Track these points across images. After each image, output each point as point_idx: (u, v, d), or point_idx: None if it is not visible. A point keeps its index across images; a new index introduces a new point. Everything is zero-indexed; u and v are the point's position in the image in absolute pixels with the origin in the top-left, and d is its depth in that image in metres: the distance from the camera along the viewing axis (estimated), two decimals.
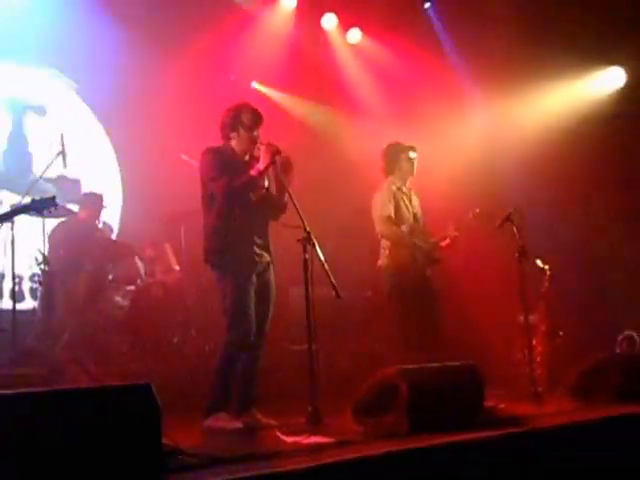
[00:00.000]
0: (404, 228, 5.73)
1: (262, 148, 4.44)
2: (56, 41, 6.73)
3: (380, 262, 5.80)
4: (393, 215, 5.66)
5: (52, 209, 4.23)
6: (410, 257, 5.67)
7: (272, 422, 4.37)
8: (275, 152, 4.40)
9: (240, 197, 4.45)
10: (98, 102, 7.52)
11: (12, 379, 4.78)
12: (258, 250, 4.53)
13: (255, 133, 4.56)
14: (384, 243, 5.78)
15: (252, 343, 4.43)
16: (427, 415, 3.77)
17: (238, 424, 4.29)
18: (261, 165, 4.41)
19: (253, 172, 4.44)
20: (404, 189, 5.82)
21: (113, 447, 2.76)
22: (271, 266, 4.64)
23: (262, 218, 4.61)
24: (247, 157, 4.61)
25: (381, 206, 5.68)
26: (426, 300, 5.72)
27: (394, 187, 5.76)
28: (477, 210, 5.62)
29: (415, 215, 5.84)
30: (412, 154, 5.77)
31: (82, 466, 2.67)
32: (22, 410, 2.62)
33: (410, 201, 5.85)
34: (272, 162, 4.41)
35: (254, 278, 4.48)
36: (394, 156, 5.78)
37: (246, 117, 4.56)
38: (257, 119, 4.57)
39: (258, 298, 4.51)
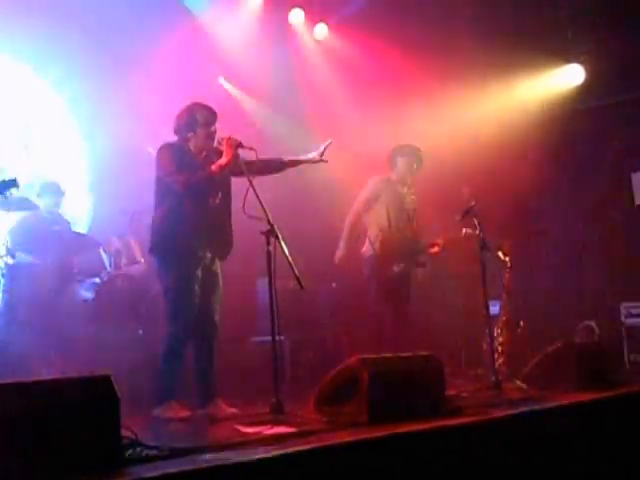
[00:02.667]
0: (383, 222, 5.96)
1: (223, 143, 4.47)
2: (27, 35, 6.68)
3: (366, 250, 6.02)
4: (362, 203, 6.02)
5: (14, 190, 4.22)
6: (399, 249, 5.93)
7: (236, 411, 4.44)
8: (237, 146, 4.43)
9: (198, 193, 4.50)
10: (67, 94, 7.46)
11: None
12: (206, 246, 4.60)
13: (212, 129, 4.63)
14: (372, 232, 5.98)
15: (193, 333, 4.54)
16: (387, 404, 3.81)
17: (187, 412, 4.38)
18: (223, 160, 4.45)
19: (214, 167, 4.48)
20: (399, 188, 6.06)
21: (72, 439, 2.75)
22: (217, 260, 4.72)
23: (217, 213, 4.67)
24: (204, 154, 4.65)
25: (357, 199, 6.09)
26: (401, 291, 5.99)
27: (382, 184, 6.06)
28: (469, 231, 5.69)
29: (408, 214, 6.07)
30: (407, 155, 6.04)
31: (40, 459, 2.67)
32: None
33: (404, 200, 6.08)
34: (235, 156, 4.44)
35: (199, 273, 4.56)
36: (392, 155, 6.13)
37: (201, 115, 4.63)
38: (212, 115, 4.65)
39: (205, 290, 4.60)
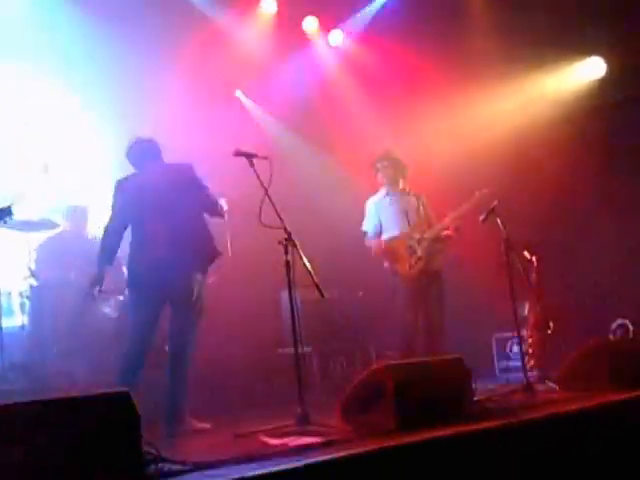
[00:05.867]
0: (395, 232, 6.03)
1: None
2: (51, 48, 6.74)
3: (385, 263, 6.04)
4: (370, 229, 6.14)
5: (7, 219, 4.22)
6: (408, 252, 5.91)
7: (206, 426, 4.49)
8: None
9: None
10: (81, 103, 7.49)
11: (1, 395, 4.77)
12: None
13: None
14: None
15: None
16: (414, 411, 3.74)
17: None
18: None
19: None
20: (393, 196, 6.16)
21: (93, 456, 2.75)
22: None
23: None
24: None
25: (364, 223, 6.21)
26: (432, 294, 5.95)
27: (378, 197, 6.20)
28: (485, 190, 5.77)
29: (407, 213, 6.09)
30: (383, 163, 6.15)
31: (62, 476, 2.66)
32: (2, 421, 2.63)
33: (401, 202, 6.14)
34: None
35: None
36: (374, 167, 6.24)
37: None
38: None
39: None
